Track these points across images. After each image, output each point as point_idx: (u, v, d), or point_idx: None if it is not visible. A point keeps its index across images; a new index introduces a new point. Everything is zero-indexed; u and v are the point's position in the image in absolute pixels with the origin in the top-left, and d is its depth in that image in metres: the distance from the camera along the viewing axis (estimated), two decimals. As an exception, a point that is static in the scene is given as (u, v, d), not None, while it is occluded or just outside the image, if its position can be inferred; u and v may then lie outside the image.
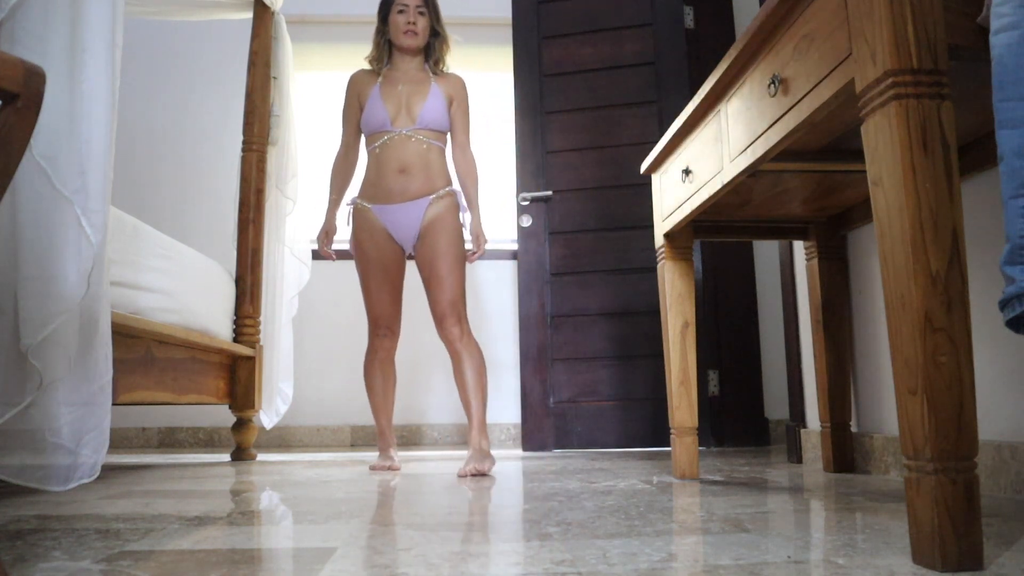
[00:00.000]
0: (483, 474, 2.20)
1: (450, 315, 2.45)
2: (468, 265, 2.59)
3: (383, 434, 2.62)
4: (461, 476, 2.16)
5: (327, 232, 2.64)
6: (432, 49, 2.64)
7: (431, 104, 2.53)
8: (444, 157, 2.59)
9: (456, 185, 2.60)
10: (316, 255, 3.64)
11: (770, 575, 0.89)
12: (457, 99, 2.60)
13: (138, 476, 2.31)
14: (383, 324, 2.55)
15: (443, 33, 2.64)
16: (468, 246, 2.60)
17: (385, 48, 2.64)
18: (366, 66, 2.68)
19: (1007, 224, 0.91)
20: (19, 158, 0.86)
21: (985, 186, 1.64)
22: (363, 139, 2.66)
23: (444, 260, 2.47)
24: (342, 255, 3.26)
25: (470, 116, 2.64)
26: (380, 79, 2.60)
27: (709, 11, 3.56)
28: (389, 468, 2.46)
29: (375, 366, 2.59)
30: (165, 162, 4.07)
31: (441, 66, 2.64)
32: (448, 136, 2.63)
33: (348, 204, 2.62)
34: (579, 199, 3.48)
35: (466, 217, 2.58)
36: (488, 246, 3.37)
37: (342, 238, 2.95)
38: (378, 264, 2.54)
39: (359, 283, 2.58)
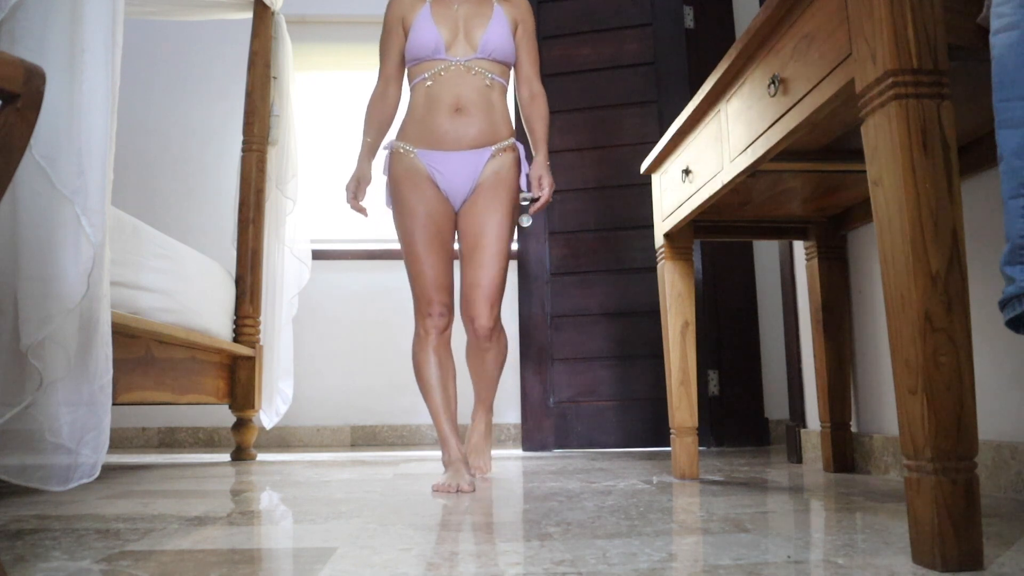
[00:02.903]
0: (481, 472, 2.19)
1: (483, 306, 2.04)
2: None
3: (445, 442, 1.98)
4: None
5: (359, 180, 2.13)
6: None
7: (494, 29, 2.11)
8: (506, 98, 2.17)
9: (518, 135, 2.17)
10: (316, 255, 3.65)
11: (770, 575, 0.89)
12: (523, 24, 2.21)
13: (138, 476, 2.31)
14: (435, 299, 2.04)
15: None
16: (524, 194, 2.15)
17: None
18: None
19: (1007, 224, 0.91)
20: (19, 158, 0.86)
21: (985, 186, 1.64)
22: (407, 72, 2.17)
23: (494, 237, 2.06)
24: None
25: (536, 45, 2.26)
26: None
27: (709, 11, 3.55)
28: (459, 490, 1.79)
29: (426, 354, 2.04)
30: (165, 162, 4.07)
31: None
32: (512, 71, 2.23)
33: (385, 148, 2.17)
34: (579, 199, 3.48)
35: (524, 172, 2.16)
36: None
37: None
38: (426, 221, 2.05)
39: (401, 246, 2.09)
